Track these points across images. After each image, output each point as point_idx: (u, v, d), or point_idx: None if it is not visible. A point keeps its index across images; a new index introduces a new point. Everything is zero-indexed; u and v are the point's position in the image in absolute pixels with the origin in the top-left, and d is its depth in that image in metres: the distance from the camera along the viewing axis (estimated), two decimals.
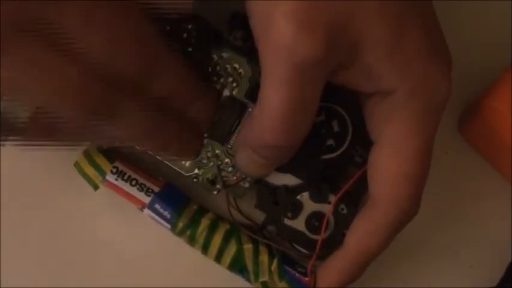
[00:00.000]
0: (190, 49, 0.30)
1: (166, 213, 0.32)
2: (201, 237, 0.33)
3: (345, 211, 0.31)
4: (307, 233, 0.32)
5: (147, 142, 0.29)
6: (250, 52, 0.30)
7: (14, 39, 0.24)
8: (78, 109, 0.26)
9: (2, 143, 0.26)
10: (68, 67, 0.25)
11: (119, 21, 0.25)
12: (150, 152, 0.31)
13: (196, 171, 0.31)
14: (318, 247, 0.31)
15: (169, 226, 0.33)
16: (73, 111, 0.26)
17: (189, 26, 0.30)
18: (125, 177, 0.32)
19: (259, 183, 0.32)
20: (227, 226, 0.33)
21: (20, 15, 0.24)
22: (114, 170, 0.32)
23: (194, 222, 0.33)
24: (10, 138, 0.26)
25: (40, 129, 0.27)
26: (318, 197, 0.31)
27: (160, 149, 0.30)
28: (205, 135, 0.31)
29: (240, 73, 0.30)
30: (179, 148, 0.30)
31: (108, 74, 0.26)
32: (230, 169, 0.31)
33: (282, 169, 0.31)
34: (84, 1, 0.24)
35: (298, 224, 0.32)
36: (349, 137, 0.31)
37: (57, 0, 0.24)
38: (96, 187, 0.33)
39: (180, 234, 0.33)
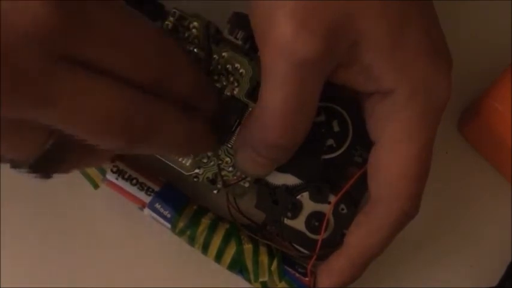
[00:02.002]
0: (191, 48, 0.30)
1: (166, 213, 0.32)
2: (201, 237, 0.32)
3: (345, 211, 0.31)
4: (307, 233, 0.32)
5: (181, 149, 0.28)
6: (251, 52, 0.30)
7: (53, 70, 0.22)
8: (127, 132, 0.24)
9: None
10: (112, 94, 0.23)
11: (141, 37, 0.24)
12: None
13: (196, 170, 0.31)
14: (318, 247, 0.31)
15: (169, 226, 0.33)
16: (122, 137, 0.24)
17: (191, 26, 0.30)
18: (125, 177, 0.32)
19: (259, 183, 0.32)
20: (227, 226, 0.33)
21: (58, 44, 0.22)
22: (115, 169, 0.32)
23: (194, 222, 0.33)
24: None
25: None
26: (318, 196, 0.31)
27: (188, 152, 0.29)
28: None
29: (241, 73, 0.30)
30: (200, 146, 0.29)
31: (141, 86, 0.24)
32: (230, 169, 0.31)
33: (282, 169, 0.31)
34: (108, 28, 0.23)
35: (298, 224, 0.32)
36: (349, 137, 0.31)
37: (89, 28, 0.22)
38: (96, 186, 0.33)
39: (180, 234, 0.33)
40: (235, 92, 0.30)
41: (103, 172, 0.32)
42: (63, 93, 0.22)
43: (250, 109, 0.30)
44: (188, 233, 0.33)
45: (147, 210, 0.33)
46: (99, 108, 0.23)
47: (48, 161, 0.24)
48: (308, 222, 0.31)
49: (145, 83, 0.24)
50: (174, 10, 0.30)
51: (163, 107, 0.25)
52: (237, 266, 0.33)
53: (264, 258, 0.32)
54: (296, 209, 0.31)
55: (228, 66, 0.30)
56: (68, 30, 0.22)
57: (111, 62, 0.23)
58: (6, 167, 0.34)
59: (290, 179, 0.32)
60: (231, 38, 0.30)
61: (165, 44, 0.26)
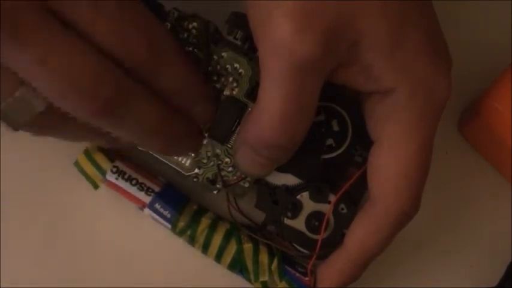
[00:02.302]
0: (190, 49, 0.30)
1: (166, 213, 0.32)
2: (201, 237, 0.33)
3: (344, 211, 0.31)
4: (307, 232, 0.32)
5: (153, 139, 0.28)
6: (250, 52, 0.30)
7: (35, 21, 0.23)
8: (93, 99, 0.25)
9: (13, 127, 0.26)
10: (84, 56, 0.24)
11: (126, 9, 0.25)
12: (151, 151, 0.30)
13: (196, 170, 0.31)
14: (317, 247, 0.31)
15: (169, 226, 0.33)
16: (87, 102, 0.25)
17: (190, 26, 0.30)
18: (125, 177, 0.32)
19: (259, 183, 0.32)
20: (227, 226, 0.33)
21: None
22: (115, 170, 0.32)
23: (194, 222, 0.33)
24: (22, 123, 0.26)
25: (51, 122, 0.26)
26: (318, 196, 0.31)
27: (164, 147, 0.29)
28: (205, 134, 0.31)
29: (240, 73, 0.30)
30: (181, 145, 0.30)
31: (120, 62, 0.25)
32: (230, 169, 0.31)
33: (282, 169, 0.31)
34: None
35: (298, 223, 0.32)
36: (349, 137, 0.31)
37: None
38: (96, 186, 0.33)
39: (180, 233, 0.33)
40: (234, 92, 0.30)
41: (103, 172, 0.32)
42: (36, 39, 0.23)
43: (249, 109, 0.30)
44: (188, 232, 0.33)
45: (147, 211, 0.33)
46: (69, 65, 0.24)
47: (17, 109, 0.25)
48: (308, 222, 0.31)
49: (128, 60, 0.25)
50: (173, 10, 0.30)
51: (139, 88, 0.26)
52: (237, 266, 0.33)
53: (264, 257, 0.32)
54: (296, 208, 0.31)
55: (227, 66, 0.30)
56: None
57: (92, 28, 0.25)
58: (6, 167, 0.34)
59: (290, 179, 0.32)
60: (230, 38, 0.30)
61: (156, 31, 0.26)
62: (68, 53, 0.24)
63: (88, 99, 0.25)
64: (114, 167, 0.32)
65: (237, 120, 0.30)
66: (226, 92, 0.31)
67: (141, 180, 0.33)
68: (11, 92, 0.25)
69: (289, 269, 0.33)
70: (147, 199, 0.32)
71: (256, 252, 0.32)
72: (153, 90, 0.27)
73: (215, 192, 0.31)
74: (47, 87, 0.25)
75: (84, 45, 0.25)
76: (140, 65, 0.26)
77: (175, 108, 0.28)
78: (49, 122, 0.26)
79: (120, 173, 0.32)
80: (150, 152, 0.31)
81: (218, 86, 0.31)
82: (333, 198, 0.31)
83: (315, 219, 0.31)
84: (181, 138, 0.29)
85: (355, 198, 0.31)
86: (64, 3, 0.24)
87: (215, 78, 0.30)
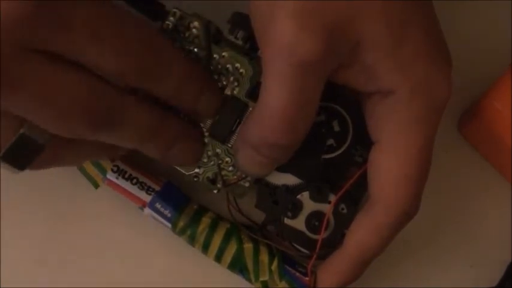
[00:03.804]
0: (192, 48, 0.30)
1: (166, 212, 0.32)
2: (201, 237, 0.33)
3: (345, 211, 0.31)
4: (307, 232, 0.32)
5: (151, 142, 0.29)
6: (251, 52, 0.30)
7: (23, 59, 0.24)
8: (90, 120, 0.26)
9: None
10: (78, 85, 0.25)
11: (122, 31, 0.26)
12: (152, 157, 0.31)
13: (196, 170, 0.31)
14: (318, 247, 0.31)
15: (169, 225, 0.33)
16: (86, 123, 0.26)
17: (191, 26, 0.30)
18: (126, 176, 0.32)
19: (259, 182, 0.32)
20: (227, 225, 0.33)
21: (30, 36, 0.24)
22: (115, 169, 0.32)
23: (194, 222, 0.33)
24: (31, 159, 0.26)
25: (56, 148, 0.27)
26: (318, 196, 0.31)
27: (163, 150, 0.30)
28: (206, 133, 0.31)
29: (241, 72, 0.30)
30: (181, 150, 0.30)
31: (116, 81, 0.26)
32: (230, 168, 0.31)
33: (282, 168, 0.31)
34: (89, 19, 0.25)
35: (298, 223, 0.32)
36: (349, 137, 0.31)
37: (65, 24, 0.24)
38: (96, 185, 0.33)
39: (181, 233, 0.33)
40: (235, 92, 0.31)
41: (103, 171, 0.32)
42: (29, 80, 0.24)
43: (250, 109, 0.30)
44: (188, 232, 0.33)
45: (147, 210, 0.33)
46: (64, 96, 0.25)
47: (19, 151, 0.26)
48: (308, 222, 0.31)
49: (124, 79, 0.26)
50: (175, 10, 0.30)
51: (134, 98, 0.27)
52: (238, 266, 0.33)
53: (264, 257, 0.32)
54: (296, 208, 0.31)
55: (228, 66, 0.30)
56: (39, 22, 0.24)
57: (84, 57, 0.25)
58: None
59: (290, 179, 0.32)
60: (231, 37, 0.30)
61: (153, 44, 0.27)
62: (61, 86, 0.25)
63: (85, 122, 0.26)
64: (115, 166, 0.32)
65: (238, 120, 0.30)
66: (227, 92, 0.31)
67: (141, 179, 0.33)
68: (13, 134, 0.26)
69: (290, 269, 0.33)
70: (147, 198, 0.32)
71: (256, 252, 0.32)
72: (152, 96, 0.28)
73: (215, 191, 0.31)
74: (46, 121, 0.25)
75: (77, 73, 0.25)
76: (136, 82, 0.27)
77: (177, 108, 0.29)
78: (49, 156, 0.27)
79: (121, 172, 0.32)
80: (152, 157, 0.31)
81: (219, 85, 0.31)
82: (333, 198, 0.31)
83: (315, 219, 0.31)
84: (181, 140, 0.29)
85: (355, 198, 0.31)
86: (55, 39, 0.24)
87: (216, 77, 0.30)
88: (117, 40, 0.26)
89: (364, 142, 0.31)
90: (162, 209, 0.32)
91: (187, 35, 0.30)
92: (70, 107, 0.25)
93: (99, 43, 0.25)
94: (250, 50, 0.30)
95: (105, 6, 0.26)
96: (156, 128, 0.28)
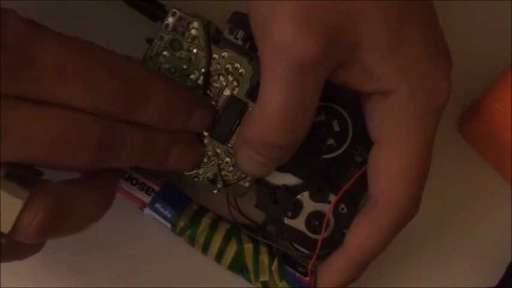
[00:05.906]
0: (191, 48, 0.30)
1: (166, 213, 0.32)
2: (201, 237, 0.32)
3: (345, 211, 0.31)
4: (307, 232, 0.32)
5: (147, 157, 0.29)
6: (251, 52, 0.30)
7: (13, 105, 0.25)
8: (85, 152, 0.27)
9: None
10: (64, 119, 0.26)
11: (91, 66, 0.26)
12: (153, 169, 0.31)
13: (196, 170, 0.31)
14: (318, 247, 0.31)
15: (169, 226, 0.33)
16: (80, 156, 0.27)
17: (190, 26, 0.30)
18: (126, 176, 0.32)
19: (259, 182, 0.32)
20: (227, 226, 0.33)
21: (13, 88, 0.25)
22: None
23: (194, 222, 0.33)
24: None
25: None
26: (318, 196, 0.31)
27: (161, 161, 0.30)
28: (206, 134, 0.31)
29: (241, 73, 0.30)
30: (179, 157, 0.30)
31: (100, 114, 0.27)
32: (230, 168, 0.31)
33: (282, 169, 0.31)
34: (54, 58, 0.25)
35: (298, 223, 0.32)
36: (349, 137, 0.31)
37: (29, 64, 0.25)
38: None
39: (181, 233, 0.33)
40: (235, 92, 0.31)
41: None
42: (11, 126, 0.25)
43: (250, 109, 0.30)
44: (188, 232, 0.33)
45: (147, 210, 0.33)
46: (54, 136, 0.26)
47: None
48: (308, 222, 0.31)
49: (107, 112, 0.27)
50: (174, 10, 0.30)
51: (123, 124, 0.27)
52: (238, 266, 0.33)
53: (264, 257, 0.32)
54: (296, 208, 0.31)
55: (227, 66, 0.30)
56: (11, 73, 0.24)
57: (55, 95, 0.26)
58: None
59: (290, 179, 0.32)
60: (231, 37, 0.30)
61: (126, 75, 0.27)
62: (39, 125, 0.26)
63: (79, 156, 0.27)
64: None
65: (238, 120, 0.31)
66: (227, 92, 0.31)
67: (141, 180, 0.32)
68: None
69: (290, 269, 0.33)
70: (147, 199, 0.32)
71: (256, 252, 0.32)
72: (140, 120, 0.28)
73: (215, 191, 0.31)
74: (41, 160, 0.26)
75: (63, 113, 0.26)
76: (117, 114, 0.27)
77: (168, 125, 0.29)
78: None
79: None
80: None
81: (218, 85, 0.31)
82: (333, 198, 0.31)
83: (315, 219, 0.31)
84: (178, 147, 0.30)
85: (355, 198, 0.32)
86: (28, 86, 0.25)
87: (215, 77, 0.31)
88: (86, 76, 0.26)
89: (364, 142, 0.31)
90: (162, 210, 0.32)
91: (186, 35, 0.30)
92: (62, 142, 0.26)
93: (68, 81, 0.25)
94: (250, 50, 0.30)
95: (71, 42, 0.26)
96: (147, 143, 0.29)
